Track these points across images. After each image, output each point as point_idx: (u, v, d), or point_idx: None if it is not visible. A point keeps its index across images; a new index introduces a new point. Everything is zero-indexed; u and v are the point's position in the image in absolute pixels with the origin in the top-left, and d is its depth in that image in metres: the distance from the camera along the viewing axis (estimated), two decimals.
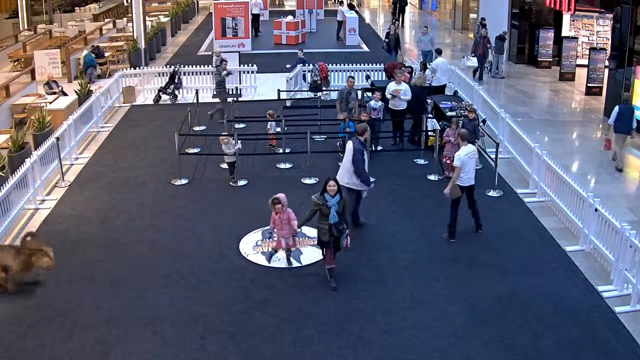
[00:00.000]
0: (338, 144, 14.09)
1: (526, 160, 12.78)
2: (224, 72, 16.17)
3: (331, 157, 13.65)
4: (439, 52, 18.38)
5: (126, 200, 11.96)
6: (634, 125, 13.87)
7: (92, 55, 20.81)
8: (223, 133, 13.09)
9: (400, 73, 14.53)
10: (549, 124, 16.42)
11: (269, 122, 14.28)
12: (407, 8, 32.44)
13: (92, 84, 18.58)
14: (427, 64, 18.44)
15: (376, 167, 12.96)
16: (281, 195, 9.38)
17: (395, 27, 23.03)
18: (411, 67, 17.42)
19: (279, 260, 9.76)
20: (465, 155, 10.13)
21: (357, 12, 29.34)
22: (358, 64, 19.64)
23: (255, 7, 28.59)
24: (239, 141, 12.64)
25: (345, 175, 10.18)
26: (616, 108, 13.38)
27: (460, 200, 10.19)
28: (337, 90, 15.68)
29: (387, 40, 21.90)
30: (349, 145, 10.38)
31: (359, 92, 16.36)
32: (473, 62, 20.01)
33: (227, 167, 12.72)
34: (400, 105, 14.25)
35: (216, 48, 19.17)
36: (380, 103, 14.02)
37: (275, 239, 9.64)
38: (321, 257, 9.30)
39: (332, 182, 8.88)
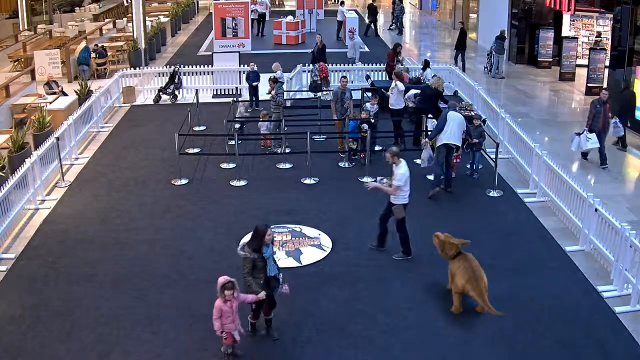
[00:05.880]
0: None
1: (526, 161, 12.78)
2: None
3: (331, 157, 13.65)
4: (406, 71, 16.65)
5: (126, 200, 11.96)
6: None
7: (87, 52, 20.69)
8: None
9: (395, 75, 14.73)
10: (548, 124, 16.42)
11: (259, 122, 14.32)
12: (407, 8, 32.25)
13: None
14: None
15: (376, 167, 12.96)
16: (228, 278, 7.29)
17: (322, 37, 20.47)
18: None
19: (279, 260, 9.74)
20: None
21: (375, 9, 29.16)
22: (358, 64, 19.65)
23: (260, 6, 28.59)
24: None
25: (458, 136, 11.88)
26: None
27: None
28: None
29: (312, 50, 20.36)
30: (457, 114, 11.97)
31: (359, 92, 16.38)
32: (593, 141, 13.42)
33: None
34: (396, 104, 14.35)
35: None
36: (375, 106, 14.10)
37: (224, 335, 7.38)
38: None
39: (269, 231, 7.39)
